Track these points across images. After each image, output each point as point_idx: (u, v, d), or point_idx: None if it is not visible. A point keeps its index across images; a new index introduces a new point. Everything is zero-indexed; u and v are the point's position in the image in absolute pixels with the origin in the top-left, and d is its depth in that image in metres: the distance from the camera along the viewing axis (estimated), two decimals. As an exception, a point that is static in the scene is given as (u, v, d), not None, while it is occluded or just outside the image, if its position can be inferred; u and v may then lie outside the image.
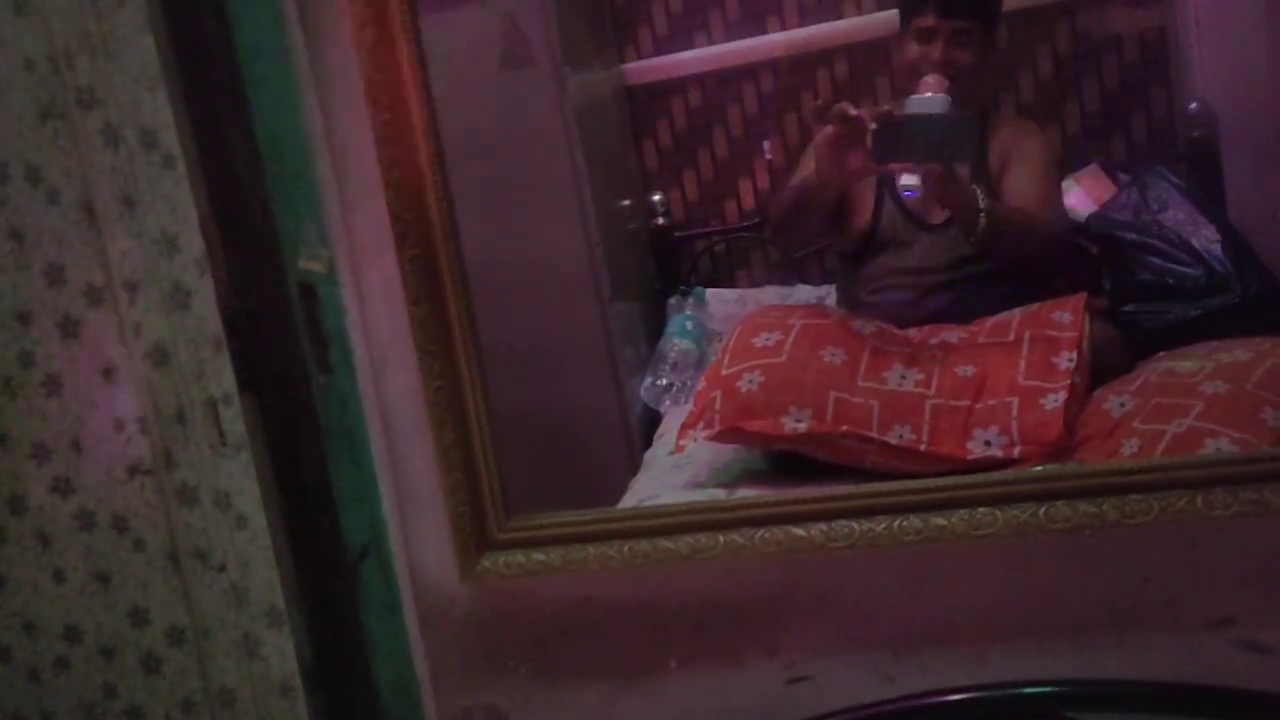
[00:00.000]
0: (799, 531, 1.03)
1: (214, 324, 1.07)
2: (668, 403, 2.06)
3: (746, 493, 1.51)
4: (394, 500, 1.11)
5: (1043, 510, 0.98)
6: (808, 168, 1.79)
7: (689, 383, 2.07)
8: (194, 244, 1.06)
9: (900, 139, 1.55)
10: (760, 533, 1.04)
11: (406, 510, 1.11)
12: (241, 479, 1.09)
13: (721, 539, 1.04)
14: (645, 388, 2.12)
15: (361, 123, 1.03)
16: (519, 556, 1.07)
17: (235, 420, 1.08)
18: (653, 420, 2.03)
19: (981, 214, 1.63)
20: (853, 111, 1.55)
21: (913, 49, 1.73)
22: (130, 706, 1.16)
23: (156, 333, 1.09)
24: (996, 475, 1.24)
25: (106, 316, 1.09)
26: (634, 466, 1.83)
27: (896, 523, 1.01)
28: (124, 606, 1.14)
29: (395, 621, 1.12)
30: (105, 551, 1.13)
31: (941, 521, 1.00)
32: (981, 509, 1.00)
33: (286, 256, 1.07)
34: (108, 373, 1.10)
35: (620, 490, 1.70)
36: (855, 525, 1.01)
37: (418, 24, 1.02)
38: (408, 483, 1.10)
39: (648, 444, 1.92)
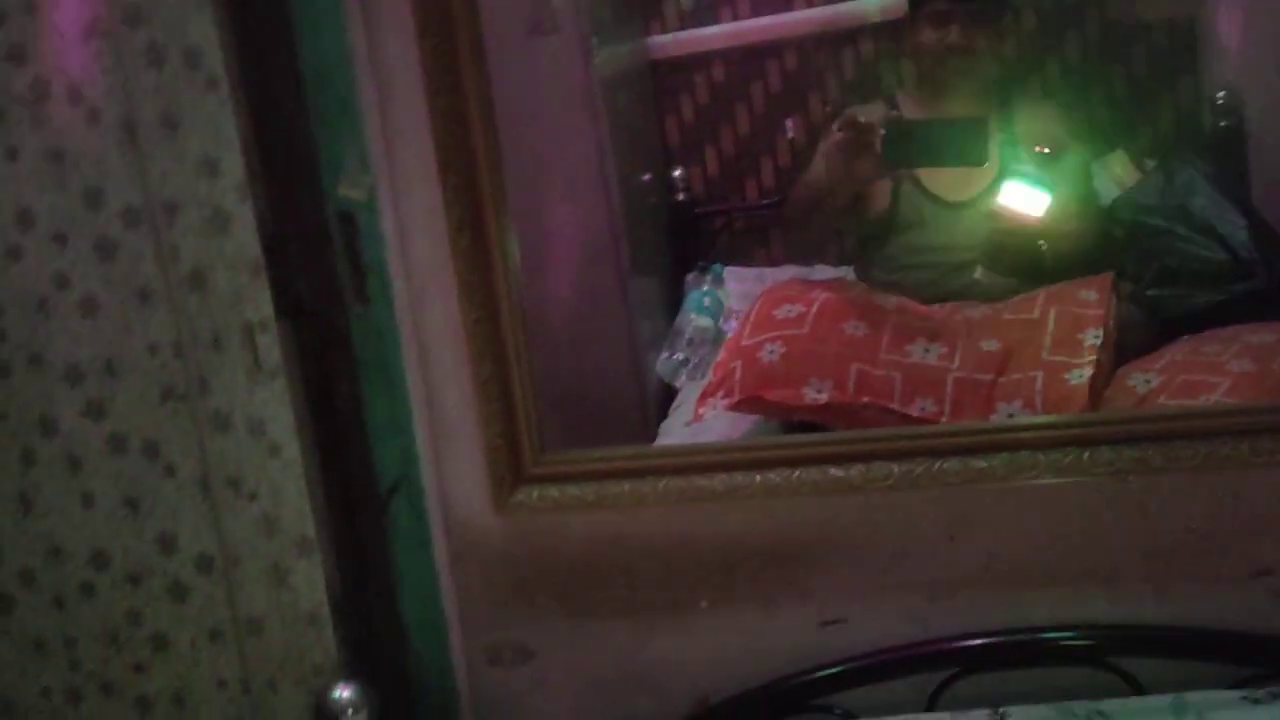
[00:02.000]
0: (837, 472, 1.02)
1: (252, 249, 1.06)
2: (683, 378, 2.05)
3: (792, 436, 1.50)
4: (428, 433, 1.10)
5: (1086, 454, 0.98)
6: (820, 164, 1.79)
7: (705, 358, 2.07)
8: (235, 168, 1.05)
9: (910, 143, 1.56)
10: (797, 472, 1.03)
11: (440, 443, 1.10)
12: (275, 407, 1.07)
13: (758, 478, 1.04)
14: (661, 362, 2.11)
15: (408, 48, 1.03)
16: (553, 490, 1.06)
17: (271, 347, 1.07)
18: (667, 395, 2.02)
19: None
20: (862, 118, 1.56)
21: (927, 33, 1.73)
22: (156, 634, 1.14)
23: (194, 257, 1.08)
24: (1040, 419, 1.22)
25: (144, 239, 1.08)
26: (649, 439, 1.82)
27: (936, 465, 1.01)
28: (153, 533, 1.13)
29: (425, 555, 1.11)
30: (136, 477, 1.12)
31: (982, 464, 1.00)
32: (1023, 452, 0.99)
33: (327, 183, 1.06)
34: (144, 295, 1.09)
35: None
36: (894, 466, 1.01)
37: (468, -52, 1.01)
38: (443, 415, 1.09)
39: (663, 418, 1.92)
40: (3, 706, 1.18)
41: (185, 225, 1.07)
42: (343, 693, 1.05)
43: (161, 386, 1.10)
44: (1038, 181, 1.67)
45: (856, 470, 1.01)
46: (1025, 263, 1.71)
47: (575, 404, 1.84)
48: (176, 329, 1.09)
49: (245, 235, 1.06)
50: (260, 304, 1.07)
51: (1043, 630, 0.99)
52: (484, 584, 1.11)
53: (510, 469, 1.05)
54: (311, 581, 1.09)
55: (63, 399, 1.12)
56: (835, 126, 1.58)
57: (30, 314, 1.11)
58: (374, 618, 1.12)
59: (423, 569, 1.11)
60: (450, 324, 1.06)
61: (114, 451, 1.12)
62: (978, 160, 1.57)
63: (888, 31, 2.12)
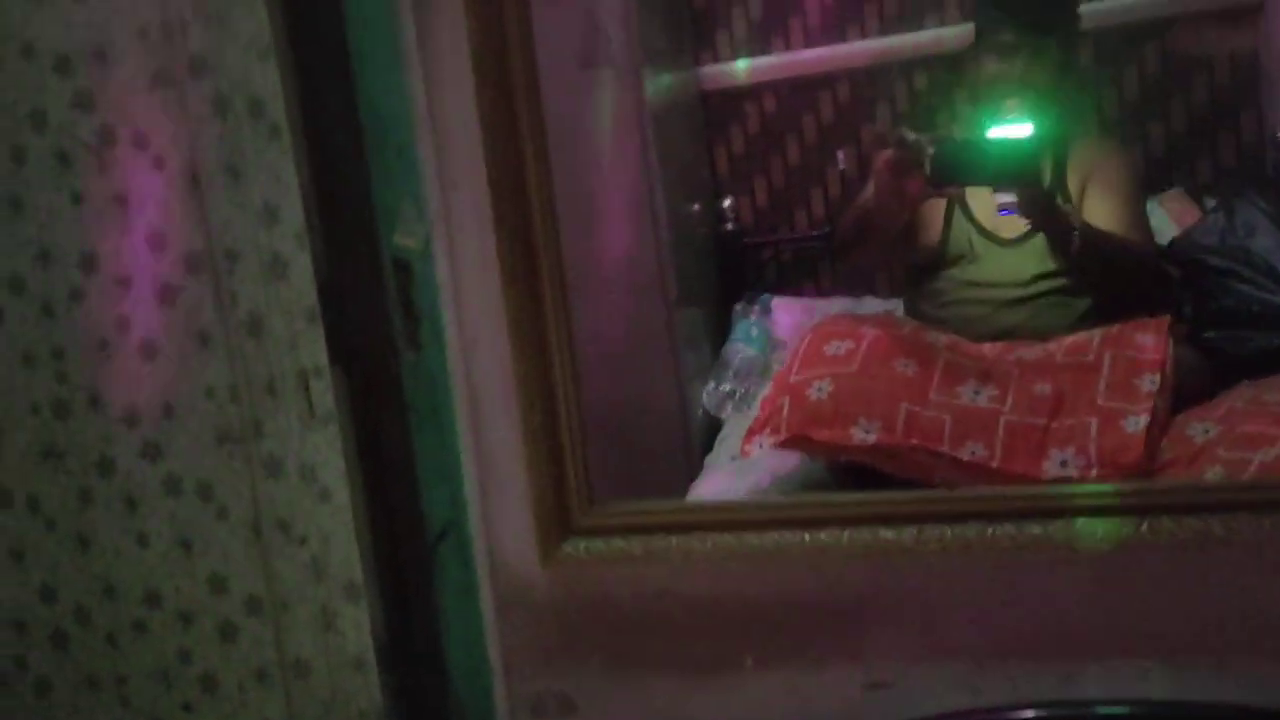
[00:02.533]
0: (888, 534, 1.01)
1: (309, 296, 1.08)
2: (730, 409, 2.04)
3: (844, 494, 1.49)
4: (477, 481, 1.11)
5: (1145, 524, 0.96)
6: (872, 186, 1.78)
7: (752, 390, 2.06)
8: (294, 215, 1.07)
9: (958, 163, 1.53)
10: (848, 533, 1.02)
11: (489, 491, 1.10)
12: (327, 452, 1.09)
13: (808, 537, 1.02)
14: (708, 393, 2.10)
15: (466, 98, 1.03)
16: (600, 543, 1.06)
17: (324, 393, 1.08)
18: (713, 427, 2.01)
19: (1075, 233, 1.61)
20: (910, 136, 1.54)
21: (991, 65, 1.70)
22: (205, 673, 1.16)
23: (252, 303, 1.09)
24: (1096, 486, 1.21)
25: (204, 284, 1.10)
26: (693, 471, 1.82)
27: (989, 530, 0.99)
28: (204, 573, 1.15)
29: (471, 603, 1.11)
30: (189, 518, 1.14)
31: (1036, 530, 0.98)
32: (1080, 519, 0.97)
33: (383, 231, 1.07)
34: (203, 340, 1.11)
35: (683, 493, 1.69)
36: (947, 530, 0.99)
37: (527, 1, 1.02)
38: (492, 464, 1.10)
39: (707, 450, 1.91)
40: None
41: (244, 271, 1.09)
42: (387, 738, 1.06)
43: (217, 430, 1.12)
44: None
45: (909, 533, 1.00)
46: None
47: (619, 435, 1.84)
48: (233, 374, 1.10)
49: (302, 282, 1.08)
50: (315, 350, 1.08)
51: (1097, 704, 0.97)
52: (529, 634, 1.11)
53: (558, 520, 1.05)
54: (358, 626, 1.10)
55: (121, 440, 1.14)
56: (884, 143, 1.56)
57: (92, 355, 1.14)
58: (419, 664, 1.12)
59: (469, 616, 1.12)
60: (501, 373, 1.07)
61: (169, 493, 1.14)
62: (1029, 180, 1.54)
63: (943, 64, 2.11)
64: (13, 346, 1.16)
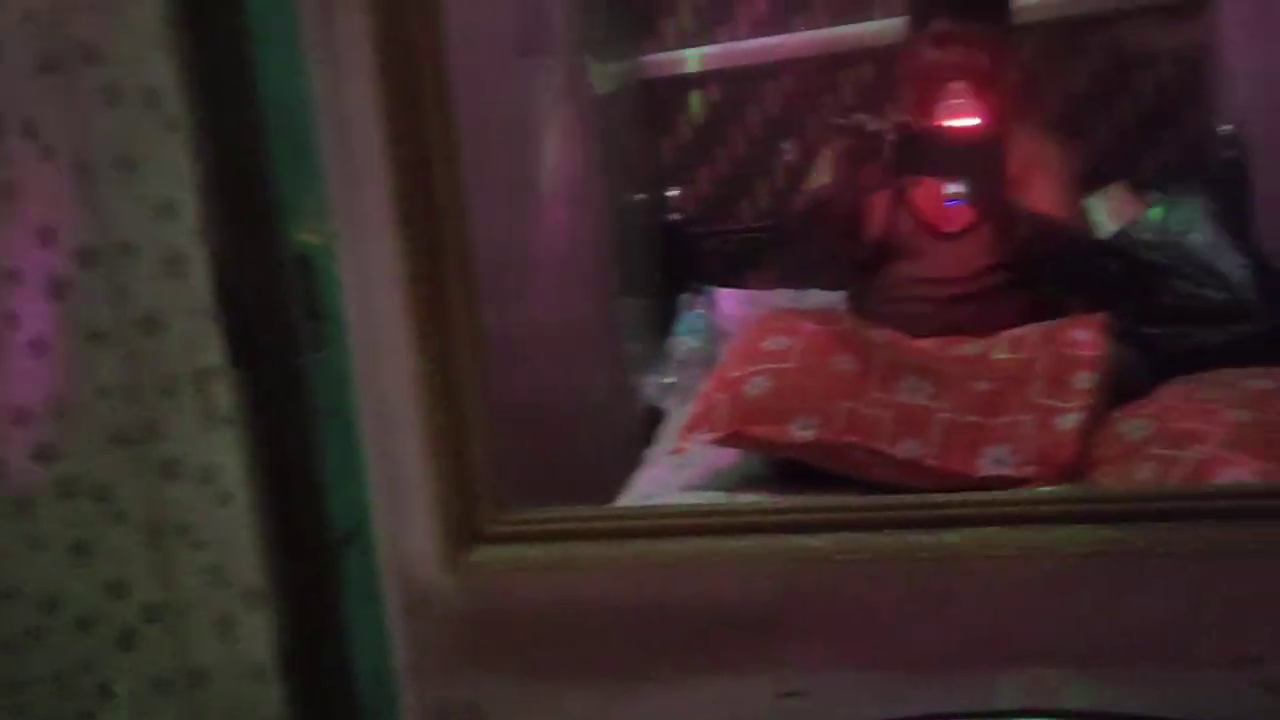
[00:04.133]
0: (807, 541, 0.99)
1: (208, 294, 1.04)
2: (672, 401, 2.02)
3: (747, 498, 1.47)
4: (382, 486, 1.07)
5: (1061, 533, 0.94)
6: (821, 176, 1.75)
7: (694, 382, 2.04)
8: (192, 211, 1.03)
9: (920, 153, 1.51)
10: (764, 540, 1.00)
11: (394, 497, 1.07)
12: (227, 455, 1.05)
13: (724, 544, 1.00)
14: (650, 385, 2.08)
15: (370, 93, 0.99)
16: (508, 551, 1.03)
17: (224, 394, 1.04)
18: (655, 418, 1.99)
19: (1021, 222, 1.60)
20: (871, 125, 1.52)
21: (929, 55, 1.69)
22: (103, 681, 1.12)
23: (148, 299, 1.05)
24: (1014, 494, 1.20)
25: (97, 279, 1.06)
26: (634, 464, 1.79)
27: (907, 537, 0.97)
28: (102, 579, 1.11)
29: (376, 610, 1.08)
30: (85, 521, 1.10)
31: (954, 539, 0.96)
32: (997, 528, 0.95)
33: (285, 227, 1.03)
34: (96, 337, 1.07)
35: (619, 486, 1.66)
36: (865, 538, 0.97)
37: (435, -9, 0.98)
38: (397, 468, 1.06)
39: (649, 441, 1.89)
40: (-50, 748, 1.16)
41: (140, 267, 1.05)
42: (289, 750, 1.03)
43: (112, 431, 1.08)
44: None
45: (827, 540, 0.98)
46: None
47: (559, 428, 1.81)
48: (128, 373, 1.06)
49: (200, 279, 1.04)
50: (214, 350, 1.04)
51: (1013, 714, 0.96)
52: (436, 642, 1.08)
53: (463, 528, 1.02)
54: (259, 634, 1.07)
55: (12, 440, 1.10)
56: (844, 131, 1.54)
57: (-20, 353, 1.09)
58: (323, 672, 1.09)
59: (374, 624, 1.09)
60: (406, 376, 1.03)
61: (63, 495, 1.10)
62: (988, 171, 1.52)
63: (887, 56, 2.09)
64: (-102, 343, 1.11)
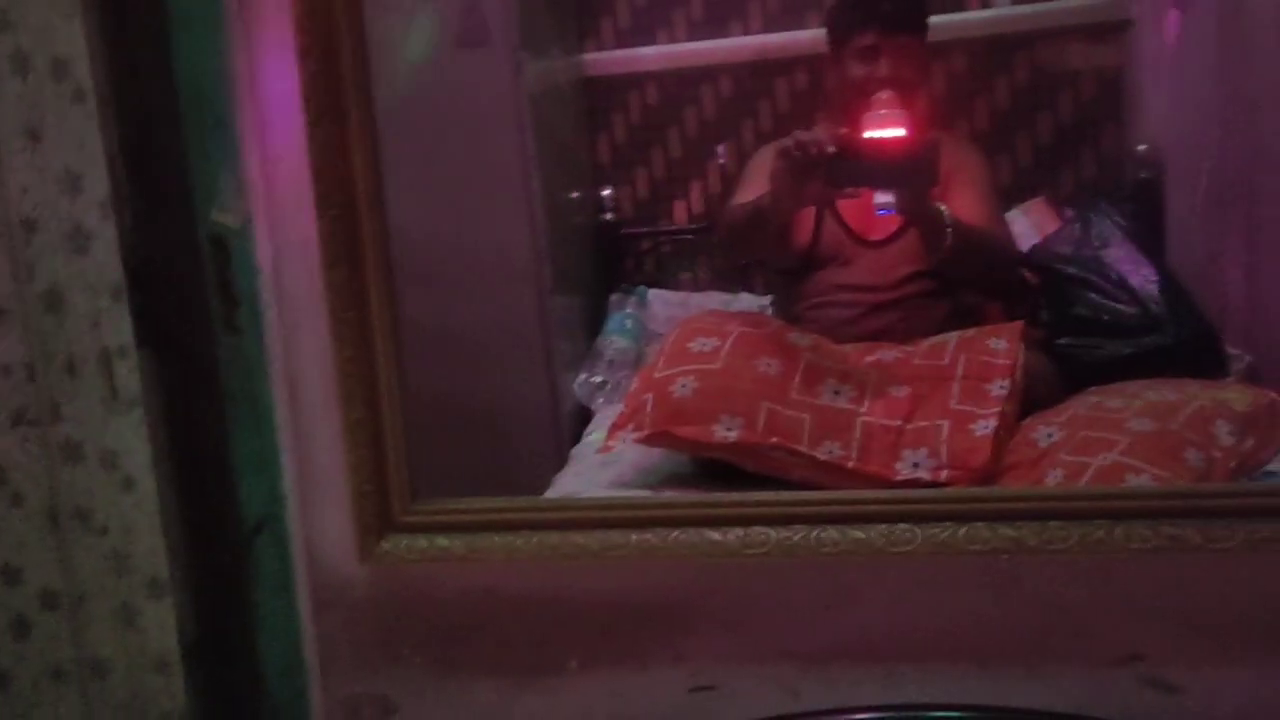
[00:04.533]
0: (714, 535, 1.00)
1: (115, 272, 1.01)
2: (601, 400, 2.02)
3: (671, 495, 1.48)
4: (295, 473, 1.06)
5: (962, 531, 0.96)
6: (754, 185, 1.77)
7: (623, 382, 2.04)
8: (99, 185, 0.99)
9: (858, 165, 1.53)
10: (674, 534, 1.00)
11: (307, 485, 1.06)
12: (132, 439, 1.02)
13: (634, 537, 1.00)
14: (579, 383, 2.08)
15: (289, 71, 0.98)
16: (421, 541, 1.02)
17: (130, 376, 1.01)
18: (584, 417, 1.99)
19: (948, 230, 1.62)
20: (808, 139, 1.54)
21: (856, 68, 1.71)
22: (-7, 671, 1.08)
23: (51, 275, 1.02)
24: (917, 493, 1.22)
25: (-1, 254, 1.02)
26: (561, 462, 1.79)
27: (814, 533, 0.99)
28: (-6, 564, 1.07)
29: (287, 601, 1.06)
30: (-22, 504, 1.06)
31: (859, 535, 0.98)
32: (901, 525, 0.97)
33: (199, 206, 1.01)
34: (-5, 314, 1.03)
35: (544, 484, 1.66)
36: (771, 533, 0.98)
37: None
38: (311, 456, 1.05)
39: (577, 440, 1.89)
40: None
41: (43, 242, 1.01)
42: (190, 743, 1.01)
43: (11, 411, 1.04)
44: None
45: (734, 535, 0.99)
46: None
47: (487, 424, 1.80)
48: (29, 351, 1.03)
49: (107, 256, 1.01)
50: (120, 329, 1.01)
51: (915, 709, 0.97)
52: (348, 633, 1.07)
53: (377, 517, 1.01)
54: (162, 624, 1.04)
55: (-97, 418, 1.05)
56: (783, 146, 1.55)
57: (-128, 327, 1.05)
58: (229, 663, 1.07)
59: (284, 615, 1.07)
60: (322, 362, 1.02)
61: (-43, 476, 1.06)
62: (927, 182, 1.55)
63: (820, 64, 2.11)
64: None
